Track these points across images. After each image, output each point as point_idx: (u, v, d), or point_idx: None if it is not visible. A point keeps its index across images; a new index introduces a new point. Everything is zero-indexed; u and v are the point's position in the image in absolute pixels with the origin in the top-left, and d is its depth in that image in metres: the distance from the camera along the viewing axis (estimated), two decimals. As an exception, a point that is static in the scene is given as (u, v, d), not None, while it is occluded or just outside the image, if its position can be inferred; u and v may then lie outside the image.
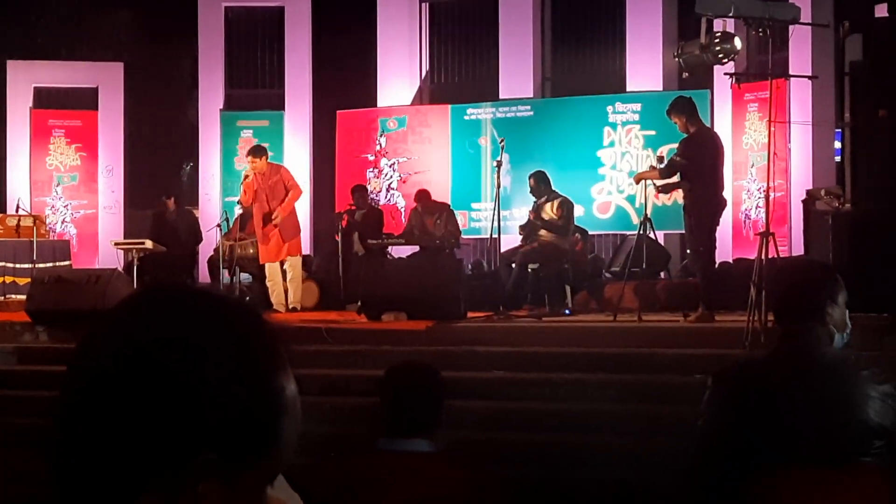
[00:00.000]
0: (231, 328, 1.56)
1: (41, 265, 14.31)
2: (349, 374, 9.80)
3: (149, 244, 14.39)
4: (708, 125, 13.39)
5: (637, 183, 12.41)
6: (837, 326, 3.95)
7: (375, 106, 17.22)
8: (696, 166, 10.91)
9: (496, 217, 12.65)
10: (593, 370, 9.48)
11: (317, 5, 17.32)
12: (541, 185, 13.36)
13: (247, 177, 13.37)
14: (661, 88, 15.74)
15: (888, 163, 9.67)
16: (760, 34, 10.93)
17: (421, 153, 16.62)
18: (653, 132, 15.30)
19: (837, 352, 3.96)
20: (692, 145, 10.99)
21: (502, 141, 13.38)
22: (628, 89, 16.10)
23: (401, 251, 14.61)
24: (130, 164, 17.73)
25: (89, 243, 17.19)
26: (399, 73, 17.34)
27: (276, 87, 17.42)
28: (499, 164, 12.79)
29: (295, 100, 17.22)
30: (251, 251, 13.80)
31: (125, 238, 16.08)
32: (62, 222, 17.23)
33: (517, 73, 16.69)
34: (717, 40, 10.51)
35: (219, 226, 14.47)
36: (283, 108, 17.21)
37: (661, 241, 14.32)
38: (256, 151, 13.49)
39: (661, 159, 11.58)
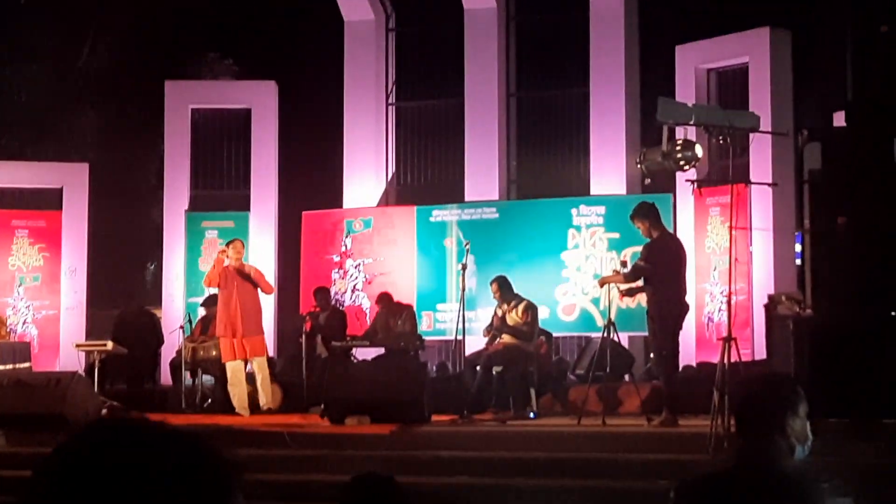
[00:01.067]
0: (179, 461, 1.58)
1: (0, 367, 14.18)
2: (310, 480, 9.72)
3: (110, 346, 14.29)
4: (671, 229, 13.51)
5: (601, 287, 12.47)
6: (798, 438, 3.97)
7: (341, 207, 17.30)
8: (659, 271, 11.01)
9: (461, 319, 12.67)
10: (557, 475, 9.45)
11: (284, 107, 17.46)
12: (503, 290, 13.42)
13: (222, 261, 13.35)
14: (624, 192, 15.90)
15: (847, 270, 9.78)
16: (721, 142, 11.08)
17: (386, 254, 16.66)
18: (617, 235, 15.41)
19: (798, 464, 3.97)
20: (655, 250, 11.10)
21: (467, 244, 13.46)
22: (592, 192, 16.25)
23: (365, 353, 14.58)
24: (94, 264, 17.67)
25: (50, 344, 17.06)
26: (365, 173, 17.45)
27: (241, 187, 17.46)
28: (464, 267, 12.85)
29: (260, 200, 17.26)
30: (213, 353, 13.72)
31: (87, 339, 15.97)
32: (23, 323, 17.10)
33: (483, 176, 16.83)
34: (678, 147, 10.66)
35: (181, 327, 14.42)
36: (248, 209, 17.24)
37: (625, 343, 14.36)
38: (237, 243, 13.58)
39: (624, 263, 11.67)
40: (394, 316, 14.48)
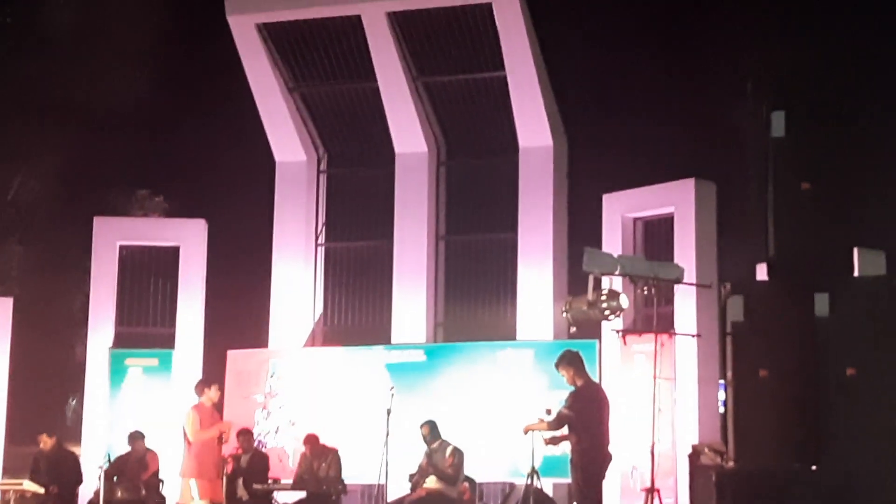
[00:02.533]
0: None
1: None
2: None
3: (27, 485, 13.97)
4: (596, 376, 13.56)
5: (525, 434, 12.43)
6: None
7: (267, 346, 17.19)
8: (583, 420, 11.01)
9: (384, 464, 12.56)
10: None
11: (213, 245, 17.44)
12: (433, 433, 13.37)
13: (202, 404, 13.16)
14: (551, 337, 15.97)
15: (769, 423, 9.83)
16: (646, 292, 11.21)
17: (312, 396, 16.53)
18: (543, 381, 15.43)
19: None
20: (579, 399, 11.12)
21: (392, 389, 13.41)
22: (519, 337, 16.31)
23: (287, 496, 14.36)
24: (13, 398, 17.35)
25: (-34, 482, 16.62)
26: (293, 313, 17.40)
27: (167, 325, 17.33)
28: (388, 412, 12.77)
29: (186, 338, 17.12)
30: (124, 495, 13.46)
31: (4, 477, 15.61)
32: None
33: (410, 318, 16.85)
34: (604, 297, 10.76)
35: (101, 467, 14.14)
36: (172, 347, 17.08)
37: (549, 490, 14.28)
38: (208, 381, 13.43)
39: (548, 411, 11.65)
40: (318, 459, 14.33)
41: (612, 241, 15.65)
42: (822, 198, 11.13)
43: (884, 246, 12.42)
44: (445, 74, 16.97)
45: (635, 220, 16.14)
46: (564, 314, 11.09)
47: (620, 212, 16.01)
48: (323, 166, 17.95)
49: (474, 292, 17.13)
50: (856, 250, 11.67)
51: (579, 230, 16.46)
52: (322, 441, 14.73)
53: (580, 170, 16.88)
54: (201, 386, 13.40)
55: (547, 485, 14.30)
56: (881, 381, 10.05)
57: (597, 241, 15.66)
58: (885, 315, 10.38)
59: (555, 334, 15.94)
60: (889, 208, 13.79)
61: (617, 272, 10.82)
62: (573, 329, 11.31)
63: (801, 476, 9.65)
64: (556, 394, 13.88)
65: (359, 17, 16.64)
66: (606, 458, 11.11)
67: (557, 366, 11.32)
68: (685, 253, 14.98)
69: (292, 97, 17.60)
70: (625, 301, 10.95)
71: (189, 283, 17.28)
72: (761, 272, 12.31)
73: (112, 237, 17.48)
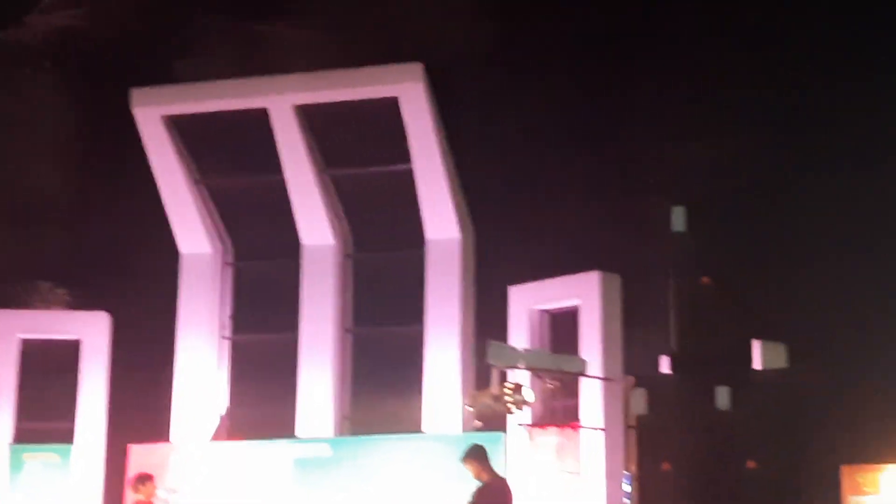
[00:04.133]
0: None
1: None
2: None
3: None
4: (503, 469, 13.49)
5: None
6: None
7: (169, 441, 16.94)
8: (489, 515, 10.93)
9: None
10: None
11: (116, 338, 17.21)
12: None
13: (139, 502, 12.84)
14: (459, 430, 15.93)
15: (672, 516, 9.89)
16: (551, 385, 11.26)
17: (216, 490, 16.29)
18: (450, 474, 15.34)
19: None
20: (485, 494, 11.06)
21: (295, 483, 13.27)
22: (426, 430, 16.24)
23: None
24: None
25: None
26: (197, 407, 17.19)
27: (67, 419, 17.01)
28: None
29: (87, 433, 16.82)
30: None
31: None
32: None
33: (316, 411, 16.72)
34: (508, 391, 10.78)
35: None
36: (72, 441, 16.76)
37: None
38: (147, 478, 13.07)
39: (454, 507, 11.58)
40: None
41: (519, 334, 15.71)
42: (722, 292, 11.33)
43: (785, 338, 12.63)
44: (352, 167, 17.04)
45: (541, 312, 16.22)
46: (469, 408, 11.09)
47: (527, 304, 16.10)
48: (229, 258, 17.86)
49: (381, 385, 17.05)
50: (757, 343, 11.87)
51: (486, 322, 16.50)
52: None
53: (487, 262, 16.97)
54: (136, 482, 13.05)
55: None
56: (781, 474, 10.19)
57: (503, 333, 15.71)
58: (785, 407, 10.54)
59: (462, 427, 15.90)
60: (788, 301, 14.05)
61: (521, 365, 10.85)
62: (478, 423, 11.29)
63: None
64: (463, 487, 13.79)
65: (265, 110, 16.68)
66: None
67: (463, 461, 11.27)
68: (590, 345, 15.06)
69: (198, 189, 17.54)
70: (529, 394, 10.99)
71: (91, 376, 17.01)
72: (665, 365, 12.48)
73: (12, 330, 17.22)
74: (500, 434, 15.02)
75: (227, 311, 17.69)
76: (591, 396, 14.72)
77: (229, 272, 17.85)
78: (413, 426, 16.42)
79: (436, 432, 16.11)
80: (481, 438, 15.45)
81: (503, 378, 11.00)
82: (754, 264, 12.67)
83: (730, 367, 10.66)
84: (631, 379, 10.73)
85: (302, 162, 16.82)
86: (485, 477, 11.16)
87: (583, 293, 15.56)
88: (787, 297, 15.25)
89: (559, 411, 12.81)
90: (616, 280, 15.45)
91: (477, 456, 11.18)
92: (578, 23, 15.13)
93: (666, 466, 9.99)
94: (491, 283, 16.67)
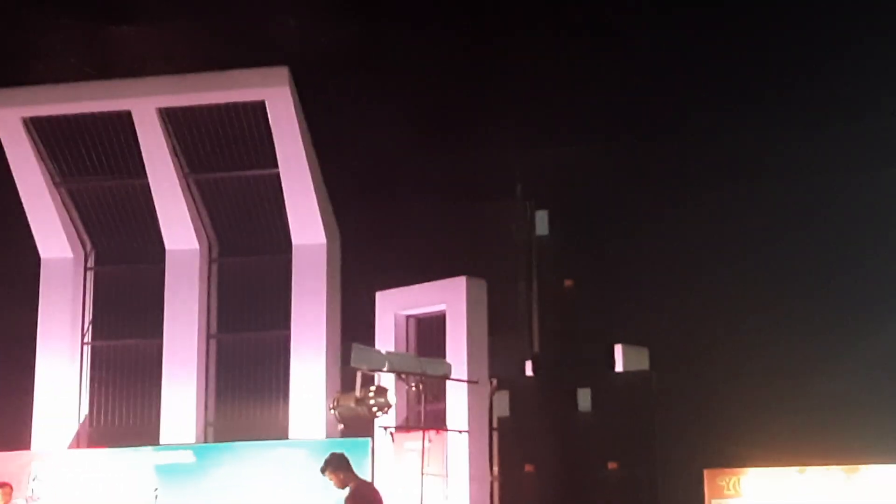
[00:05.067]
0: None
1: None
2: None
3: None
4: (369, 474, 13.46)
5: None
6: None
7: (29, 448, 16.59)
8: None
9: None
10: None
11: (-27, 344, 16.86)
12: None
13: None
14: (324, 436, 15.86)
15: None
16: (415, 388, 11.27)
17: (77, 499, 15.99)
18: (315, 480, 15.22)
19: None
20: (356, 500, 10.97)
21: (156, 490, 13.09)
22: (291, 436, 16.14)
23: None
24: None
25: None
26: (57, 414, 16.86)
27: (-75, 426, 16.60)
28: (152, 515, 12.46)
29: (-59, 442, 16.42)
30: None
31: None
32: None
33: (180, 418, 16.51)
34: (371, 394, 10.75)
35: None
36: (-76, 452, 16.35)
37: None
38: (3, 486, 12.73)
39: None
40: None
41: (385, 339, 15.70)
42: (585, 295, 11.45)
43: (646, 342, 12.80)
44: (218, 171, 16.88)
45: (408, 317, 16.25)
46: (332, 411, 11.03)
47: (393, 309, 16.11)
48: (90, 263, 17.57)
49: (246, 391, 16.91)
50: (619, 347, 12.02)
51: (353, 328, 16.45)
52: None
53: (354, 267, 16.93)
54: None
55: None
56: (643, 475, 10.33)
57: (370, 338, 15.69)
58: (646, 410, 10.69)
59: (328, 433, 15.83)
60: (651, 305, 14.26)
61: (385, 368, 10.84)
62: (341, 427, 11.24)
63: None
64: (328, 493, 13.72)
65: (129, 113, 16.44)
66: None
67: (323, 471, 11.15)
68: (457, 350, 15.12)
69: (59, 192, 17.23)
70: (392, 398, 10.97)
71: (-52, 384, 16.62)
72: (529, 368, 12.56)
73: None
74: (366, 439, 14.99)
75: (89, 316, 17.38)
76: (457, 400, 14.77)
77: (91, 277, 17.54)
78: (279, 432, 16.30)
79: (301, 438, 16.01)
80: (347, 444, 15.43)
81: (366, 381, 10.96)
82: (617, 268, 12.83)
83: (591, 369, 10.77)
84: (493, 382, 10.78)
85: (166, 166, 16.61)
86: (351, 485, 11.07)
87: (449, 298, 15.61)
88: (649, 301, 15.47)
89: (426, 416, 12.80)
90: (482, 285, 15.53)
91: (339, 466, 11.07)
92: (440, 28, 15.20)
93: (528, 468, 10.06)
94: (358, 289, 16.64)
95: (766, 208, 18.62)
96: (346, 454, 11.34)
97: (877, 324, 18.75)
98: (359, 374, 10.76)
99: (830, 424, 19.11)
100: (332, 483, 11.15)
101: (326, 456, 11.37)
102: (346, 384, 14.74)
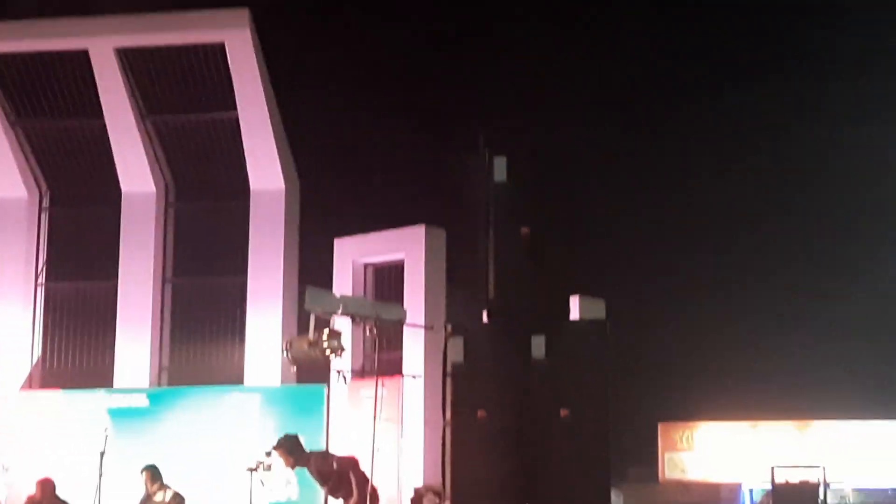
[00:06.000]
0: None
1: None
2: None
3: None
4: (323, 420, 13.39)
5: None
6: None
7: (-19, 390, 16.49)
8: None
9: (97, 509, 12.15)
10: None
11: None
12: (154, 478, 13.04)
13: None
14: (279, 382, 15.82)
15: (485, 462, 9.94)
16: (371, 333, 11.21)
17: (30, 440, 15.89)
18: (268, 425, 15.24)
19: None
20: (321, 477, 10.93)
21: (106, 430, 13.00)
22: (247, 382, 16.09)
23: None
24: None
25: None
26: (9, 356, 16.73)
27: None
28: (102, 455, 12.36)
29: None
30: None
31: None
32: None
33: (133, 361, 16.42)
34: (325, 337, 10.68)
35: None
36: None
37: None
38: None
39: (269, 454, 11.44)
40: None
41: (343, 287, 15.64)
42: (541, 243, 11.36)
43: (603, 294, 12.77)
44: (176, 113, 16.69)
45: (366, 265, 16.20)
46: (285, 353, 10.97)
47: (351, 257, 16.05)
48: (45, 203, 17.37)
49: (201, 336, 16.82)
50: (576, 298, 11.96)
51: (310, 275, 16.36)
52: (56, 492, 13.97)
53: (312, 214, 16.85)
54: None
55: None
56: (594, 423, 10.31)
57: (328, 286, 15.63)
58: (601, 360, 10.65)
59: (282, 379, 15.78)
60: (609, 257, 14.24)
61: (339, 312, 10.77)
62: (294, 369, 11.20)
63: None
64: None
65: (86, 52, 16.21)
66: None
67: (275, 450, 11.09)
68: (415, 299, 15.12)
69: (14, 131, 17.00)
70: (345, 341, 10.92)
71: None
72: (486, 317, 12.47)
73: None
74: (321, 386, 14.98)
75: (43, 257, 17.21)
76: (413, 347, 14.77)
77: (46, 218, 17.36)
78: (234, 378, 16.24)
79: (256, 384, 15.96)
80: (302, 391, 15.46)
81: (321, 325, 10.89)
82: (577, 219, 12.78)
83: (547, 317, 10.71)
84: (448, 327, 10.71)
85: (123, 107, 16.41)
86: (302, 466, 11.02)
87: (408, 247, 15.58)
88: (608, 253, 15.48)
89: (382, 364, 12.76)
90: (441, 234, 15.49)
91: (290, 448, 10.99)
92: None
93: (481, 414, 10.03)
94: (316, 236, 16.57)
95: (728, 165, 18.68)
96: (300, 436, 11.27)
97: (831, 285, 18.87)
98: (312, 317, 10.68)
99: (783, 381, 19.25)
100: (291, 416, 11.12)
101: (280, 436, 11.27)
102: (302, 331, 14.69)
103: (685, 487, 20.43)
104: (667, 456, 21.17)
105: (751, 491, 19.51)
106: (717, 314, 19.49)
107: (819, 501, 16.03)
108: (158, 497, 12.98)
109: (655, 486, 20.66)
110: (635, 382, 17.54)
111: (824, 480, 16.76)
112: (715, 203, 18.67)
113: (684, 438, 21.23)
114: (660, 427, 21.40)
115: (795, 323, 19.22)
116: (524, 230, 11.10)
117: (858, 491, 19.38)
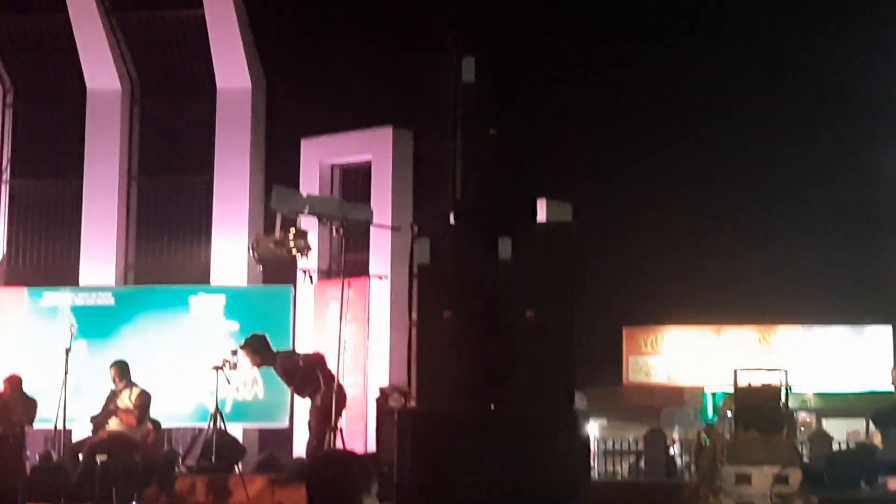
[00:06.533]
0: None
1: None
2: None
3: None
4: (289, 321, 13.40)
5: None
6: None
7: (-55, 287, 16.41)
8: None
9: (63, 406, 12.14)
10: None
11: None
12: (121, 374, 13.00)
13: None
14: (245, 282, 15.80)
15: (450, 364, 9.95)
16: (337, 234, 11.19)
17: (-7, 338, 15.88)
18: (235, 325, 15.25)
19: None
20: (287, 377, 10.99)
21: (72, 327, 12.97)
22: (213, 281, 16.06)
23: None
24: None
25: None
26: (-26, 254, 16.66)
27: None
28: (67, 351, 12.34)
29: None
30: None
31: None
32: None
33: (99, 259, 16.34)
34: (291, 236, 10.66)
35: None
36: None
37: (239, 435, 14.13)
38: None
39: (234, 353, 11.46)
40: (14, 402, 13.62)
41: (310, 187, 15.57)
42: (509, 145, 11.31)
43: (570, 198, 12.76)
44: (141, 9, 16.46)
45: (333, 166, 16.12)
46: (252, 252, 10.96)
47: (319, 157, 15.97)
48: (9, 99, 17.18)
49: (168, 235, 16.77)
50: (542, 201, 11.95)
51: (277, 175, 16.28)
52: (23, 388, 13.95)
53: (279, 114, 16.73)
54: None
55: (237, 429, 14.17)
56: (560, 325, 10.33)
57: (294, 186, 15.53)
58: (563, 260, 10.65)
59: (249, 279, 15.77)
60: (577, 159, 14.22)
61: (306, 211, 10.75)
62: (260, 268, 11.20)
63: (476, 416, 9.80)
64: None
65: (50, -56, 15.95)
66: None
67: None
68: (382, 200, 15.07)
69: (-24, 26, 16.77)
70: (312, 240, 10.91)
71: None
72: (453, 218, 12.46)
73: None
74: (287, 287, 14.97)
75: (7, 154, 17.04)
76: (380, 248, 14.77)
77: (9, 114, 17.16)
78: (200, 277, 16.21)
79: (222, 284, 15.94)
80: (269, 292, 15.46)
81: (287, 224, 10.87)
82: (545, 121, 12.71)
83: (514, 219, 10.68)
84: (414, 228, 10.68)
85: (88, 2, 16.16)
86: (268, 365, 11.06)
87: (375, 148, 15.51)
88: (576, 156, 15.45)
89: (349, 265, 12.75)
90: (408, 135, 15.43)
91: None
92: None
93: (446, 315, 10.02)
94: (283, 136, 16.46)
95: (699, 70, 18.63)
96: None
97: (796, 192, 18.94)
98: (279, 217, 10.65)
99: (748, 287, 19.39)
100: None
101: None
102: (269, 231, 14.65)
103: (649, 390, 20.65)
104: (631, 359, 21.38)
105: (714, 394, 19.76)
106: (683, 220, 19.57)
107: (781, 404, 16.21)
108: (125, 394, 12.95)
109: (619, 389, 20.89)
110: (601, 287, 17.63)
111: (786, 384, 16.96)
112: (683, 107, 18.65)
113: (649, 342, 21.43)
114: (624, 331, 21.58)
115: (761, 229, 19.32)
116: (492, 131, 11.04)
117: (820, 395, 19.66)
